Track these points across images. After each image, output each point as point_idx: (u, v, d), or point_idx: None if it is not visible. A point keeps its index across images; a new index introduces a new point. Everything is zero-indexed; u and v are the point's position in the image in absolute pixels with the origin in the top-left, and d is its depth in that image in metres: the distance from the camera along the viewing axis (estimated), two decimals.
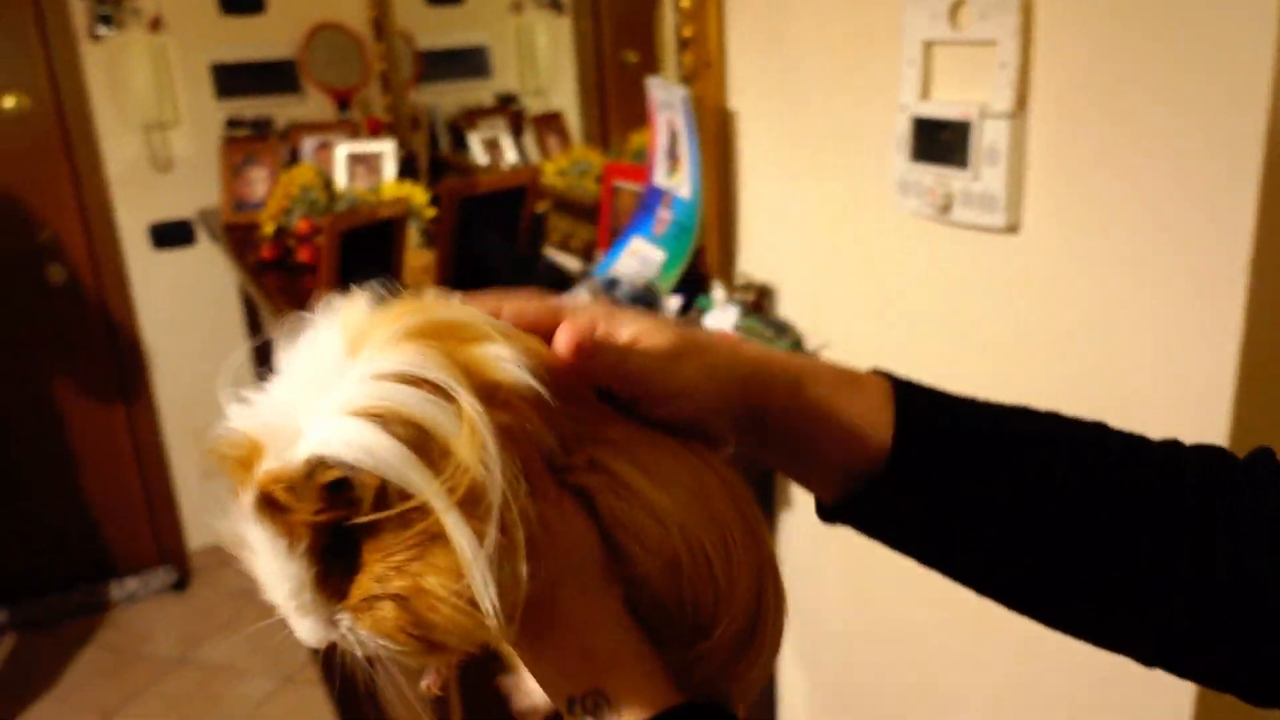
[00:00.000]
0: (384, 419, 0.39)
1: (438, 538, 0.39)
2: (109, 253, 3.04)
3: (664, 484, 0.45)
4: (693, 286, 1.59)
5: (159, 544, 3.25)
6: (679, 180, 1.61)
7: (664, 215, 1.65)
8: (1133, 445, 0.52)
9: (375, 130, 2.94)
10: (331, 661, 0.42)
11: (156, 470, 3.21)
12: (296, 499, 0.40)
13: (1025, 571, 0.51)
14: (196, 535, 3.30)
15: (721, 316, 1.51)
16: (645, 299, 1.58)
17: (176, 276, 3.13)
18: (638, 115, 2.15)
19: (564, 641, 0.43)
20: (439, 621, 0.40)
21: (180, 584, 3.26)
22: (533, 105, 2.79)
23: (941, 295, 1.17)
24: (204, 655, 2.93)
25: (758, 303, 1.52)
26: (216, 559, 3.34)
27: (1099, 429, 0.53)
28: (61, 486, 3.10)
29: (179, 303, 3.15)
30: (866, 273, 1.30)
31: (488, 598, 0.39)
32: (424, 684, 0.49)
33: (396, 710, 0.69)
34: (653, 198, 1.69)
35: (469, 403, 0.39)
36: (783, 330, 1.47)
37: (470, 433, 0.39)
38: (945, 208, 1.09)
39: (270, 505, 0.40)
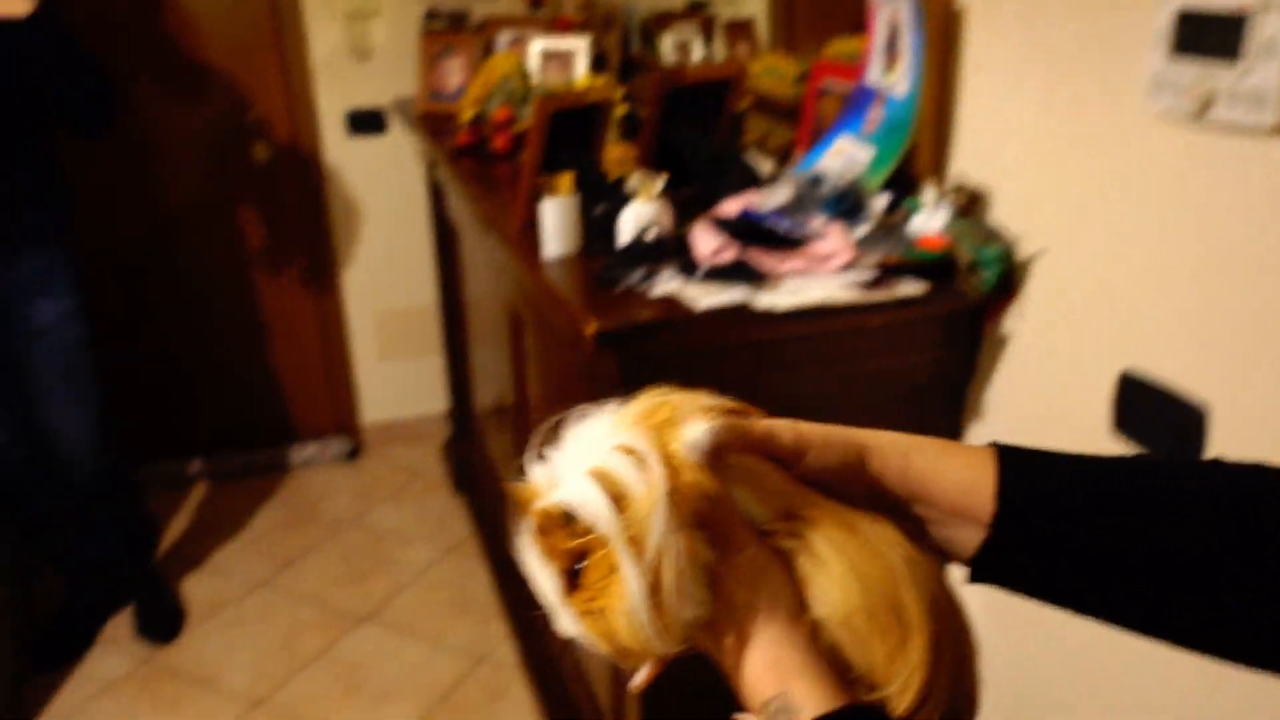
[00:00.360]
0: (601, 477, 0.54)
1: (610, 568, 0.54)
2: (308, 136, 3.19)
3: (845, 557, 0.56)
4: (901, 187, 1.58)
5: (336, 415, 3.47)
6: (895, 78, 1.59)
7: (875, 114, 1.64)
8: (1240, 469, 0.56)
9: (565, 29, 2.97)
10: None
11: (338, 346, 3.40)
12: (549, 528, 0.55)
13: (1158, 604, 0.55)
14: (369, 411, 3.50)
15: (930, 218, 1.50)
16: (849, 196, 1.58)
17: (367, 163, 3.28)
18: (827, 24, 2.12)
19: (758, 654, 0.55)
20: (620, 634, 0.54)
21: (353, 454, 3.47)
22: (724, 12, 2.78)
23: (1187, 205, 1.14)
24: (374, 520, 3.13)
25: (969, 206, 1.51)
26: (386, 435, 3.54)
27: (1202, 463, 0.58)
28: (254, 354, 3.33)
29: (368, 188, 3.29)
30: (1098, 179, 1.27)
31: (644, 604, 0.53)
32: (632, 683, 0.62)
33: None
34: (864, 96, 1.68)
35: (656, 470, 0.54)
36: (993, 236, 1.45)
37: (648, 493, 0.53)
38: (1204, 108, 1.06)
39: (537, 531, 0.56)
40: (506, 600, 2.62)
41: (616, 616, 0.54)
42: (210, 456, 3.34)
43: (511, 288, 2.06)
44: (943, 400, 1.48)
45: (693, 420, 0.57)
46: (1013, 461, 0.57)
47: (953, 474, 0.58)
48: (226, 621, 2.65)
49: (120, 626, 2.62)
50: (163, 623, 2.60)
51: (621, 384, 1.31)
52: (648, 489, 0.54)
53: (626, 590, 0.53)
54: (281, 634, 2.60)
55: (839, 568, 0.56)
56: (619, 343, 1.25)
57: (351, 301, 3.38)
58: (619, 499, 0.54)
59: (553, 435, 0.58)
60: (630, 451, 0.55)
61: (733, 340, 1.31)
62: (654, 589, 0.53)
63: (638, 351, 1.28)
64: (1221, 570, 0.53)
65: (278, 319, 3.32)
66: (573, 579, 0.56)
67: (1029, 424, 1.40)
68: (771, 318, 1.29)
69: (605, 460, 0.55)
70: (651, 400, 0.60)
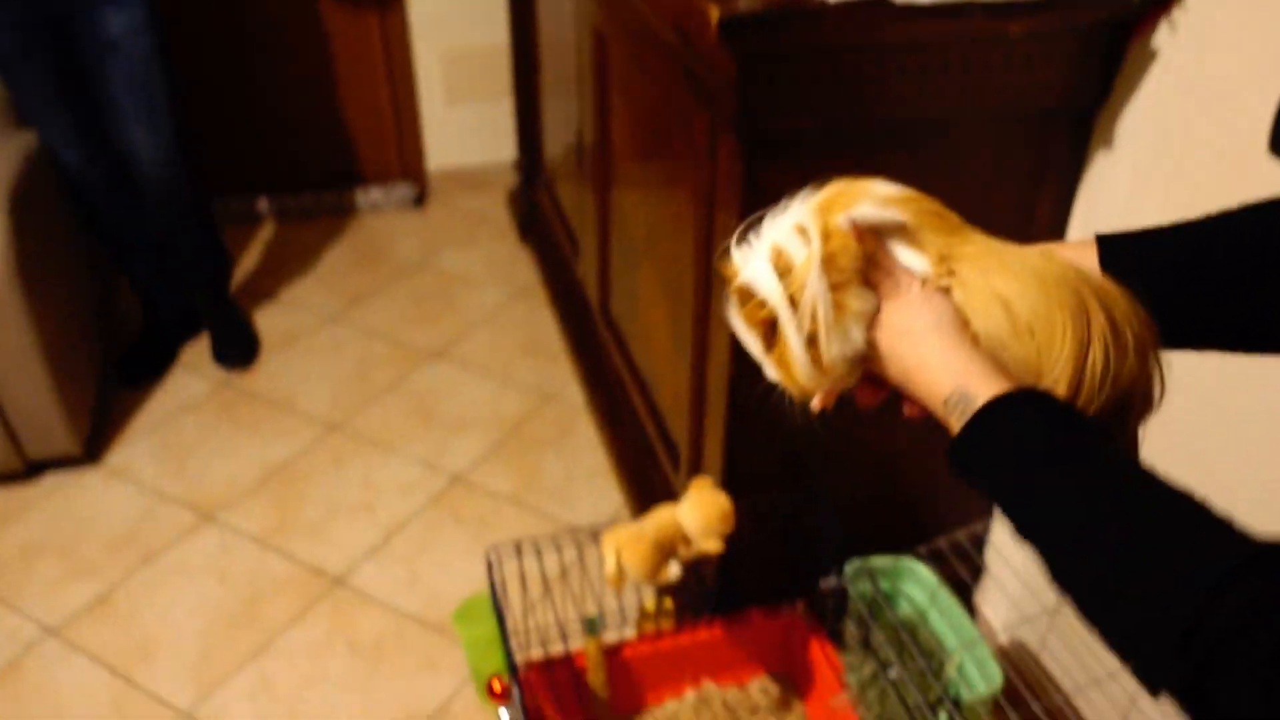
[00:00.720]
0: (775, 255, 0.68)
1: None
2: None
3: (991, 280, 0.67)
4: None
5: (402, 159, 3.40)
6: None
7: None
8: None
9: None
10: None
11: (405, 89, 3.30)
12: (745, 300, 0.69)
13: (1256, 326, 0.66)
14: (435, 156, 3.43)
15: None
16: None
17: None
18: None
19: (930, 363, 0.65)
20: (795, 375, 0.69)
21: (419, 200, 3.43)
22: None
23: None
24: (442, 263, 3.13)
25: None
26: (452, 182, 3.49)
27: None
28: (320, 94, 3.23)
29: None
30: None
31: (802, 353, 0.68)
32: (813, 405, 0.74)
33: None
34: None
35: (814, 242, 0.66)
36: None
37: (805, 260, 0.66)
38: None
39: (739, 304, 0.70)
40: (573, 344, 2.63)
41: (789, 363, 0.69)
42: (278, 195, 3.32)
43: (594, 3, 1.93)
44: (1071, 127, 1.38)
45: (859, 201, 0.68)
46: (1111, 244, 0.70)
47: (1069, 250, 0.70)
48: (300, 352, 2.71)
49: (200, 353, 2.68)
50: (240, 349, 2.65)
51: (734, 94, 1.23)
52: (805, 257, 0.66)
53: (789, 341, 0.68)
54: (354, 365, 2.66)
55: (986, 290, 0.66)
56: (740, 34, 1.15)
57: (419, 41, 3.24)
58: (785, 270, 0.67)
59: (754, 225, 0.71)
60: (800, 229, 0.67)
61: (863, 40, 1.21)
62: (811, 338, 0.67)
63: (757, 48, 1.18)
64: None
65: (345, 60, 3.20)
66: (769, 337, 0.70)
67: (1163, 158, 1.31)
68: (908, 16, 1.18)
69: (781, 239, 0.68)
70: (836, 186, 0.70)
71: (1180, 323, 0.67)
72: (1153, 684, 0.51)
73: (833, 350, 0.67)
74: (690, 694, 1.67)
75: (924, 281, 0.68)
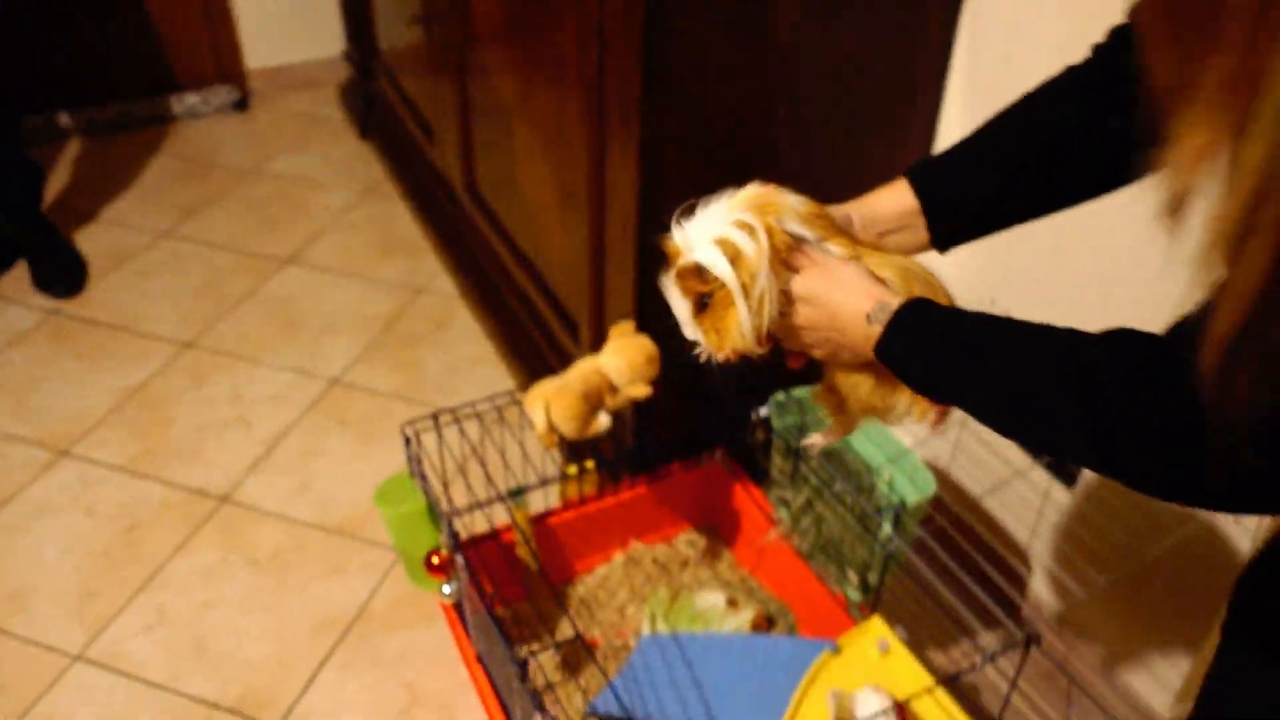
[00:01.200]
0: (722, 244, 0.86)
1: (729, 304, 0.87)
2: None
3: (889, 256, 0.92)
4: None
5: (217, 60, 3.12)
6: None
7: None
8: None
9: None
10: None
11: None
12: (686, 276, 0.88)
13: (1043, 194, 0.89)
14: (255, 55, 3.17)
15: None
16: None
17: None
18: None
19: (856, 292, 0.85)
20: (734, 342, 0.89)
21: (241, 104, 3.17)
22: None
23: None
24: (277, 168, 2.91)
25: None
26: (276, 82, 3.23)
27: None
28: None
29: None
30: None
31: (750, 327, 0.87)
32: (721, 356, 0.93)
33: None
34: None
35: (761, 240, 0.85)
36: None
37: (756, 254, 0.85)
38: None
39: (680, 277, 0.89)
40: (436, 235, 2.51)
41: (733, 333, 0.88)
42: (80, 108, 2.99)
43: None
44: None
45: (779, 208, 0.89)
46: (918, 175, 0.92)
47: (889, 204, 0.93)
48: (134, 272, 2.47)
49: (18, 282, 2.41)
50: (65, 274, 2.40)
51: None
52: (756, 251, 0.85)
53: (740, 317, 0.87)
54: (200, 279, 2.45)
55: (882, 263, 0.90)
56: None
57: None
58: (735, 257, 0.86)
59: (687, 211, 0.88)
60: (744, 226, 0.86)
61: None
62: (757, 313, 0.87)
63: None
64: (1071, 140, 0.84)
65: None
66: (700, 307, 0.90)
67: None
68: None
69: (726, 231, 0.86)
70: (756, 189, 0.90)
71: (986, 214, 0.91)
72: (1070, 458, 0.70)
73: (766, 321, 0.87)
74: (619, 556, 1.65)
75: (838, 259, 0.90)
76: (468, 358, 2.21)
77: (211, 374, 2.16)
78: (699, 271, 0.86)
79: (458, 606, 1.45)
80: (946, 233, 0.93)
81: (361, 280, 2.45)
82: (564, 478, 1.57)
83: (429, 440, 1.66)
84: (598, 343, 1.42)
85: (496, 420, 1.44)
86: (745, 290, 0.85)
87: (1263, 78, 0.45)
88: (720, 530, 1.70)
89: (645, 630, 1.51)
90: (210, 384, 2.14)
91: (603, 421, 1.35)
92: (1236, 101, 0.47)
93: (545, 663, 1.47)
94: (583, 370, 1.34)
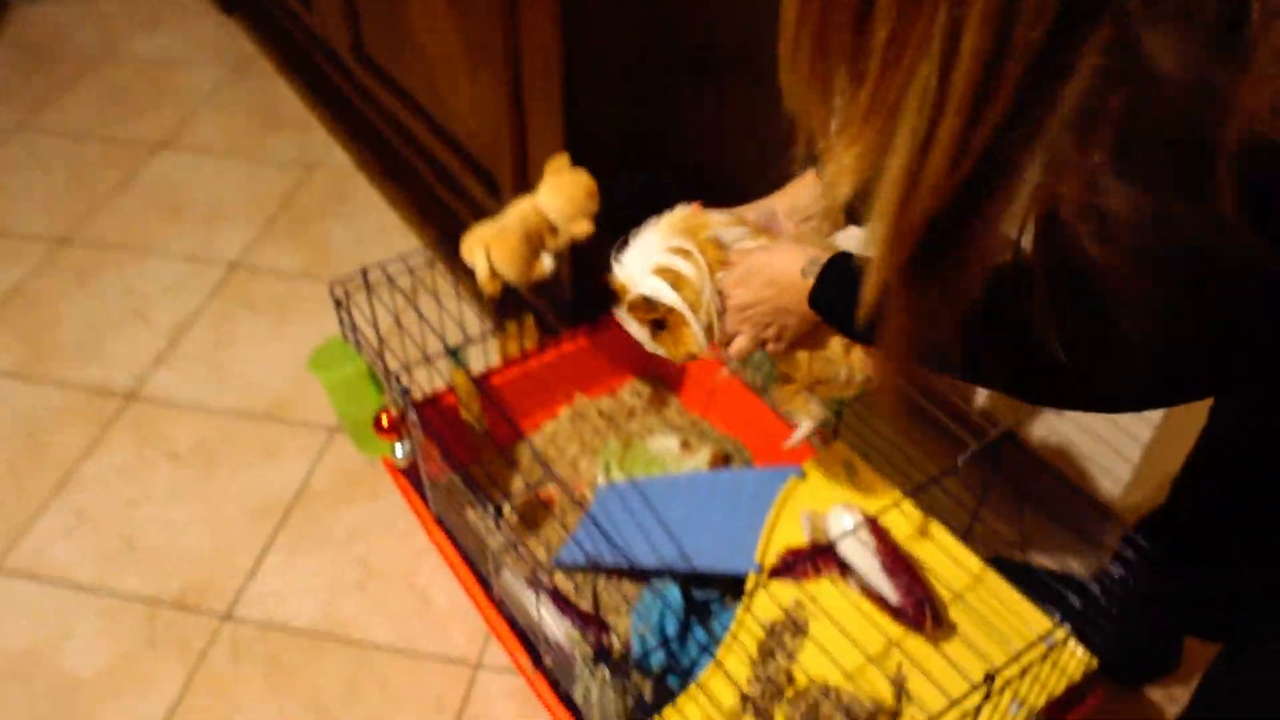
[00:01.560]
0: (663, 272, 1.00)
1: (681, 323, 1.03)
2: None
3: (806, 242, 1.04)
4: None
5: None
6: None
7: None
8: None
9: None
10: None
11: None
12: (638, 307, 1.03)
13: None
14: None
15: None
16: None
17: None
18: None
19: (790, 256, 0.96)
20: (690, 351, 1.05)
21: None
22: None
23: None
24: (135, 50, 2.67)
25: None
26: None
27: None
28: None
29: None
30: None
31: (704, 338, 1.03)
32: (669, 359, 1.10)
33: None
34: None
35: (698, 260, 1.00)
36: None
37: (697, 275, 1.00)
38: None
39: (631, 309, 1.04)
40: (323, 106, 2.35)
41: (690, 344, 1.03)
42: None
43: None
44: None
45: (707, 224, 1.02)
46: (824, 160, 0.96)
47: (807, 191, 1.06)
48: None
49: None
50: None
51: None
52: (695, 272, 0.98)
53: (693, 332, 1.01)
54: (65, 173, 2.25)
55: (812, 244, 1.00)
56: None
57: None
58: (677, 282, 0.98)
59: (622, 246, 1.03)
60: (680, 251, 0.98)
61: None
62: (708, 326, 1.01)
63: None
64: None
65: None
66: (655, 329, 1.04)
67: None
68: None
69: (664, 260, 0.99)
70: (681, 211, 1.03)
71: None
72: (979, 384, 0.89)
73: (717, 325, 1.01)
74: (564, 411, 1.61)
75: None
76: (374, 228, 2.10)
77: (96, 270, 2.00)
78: (647, 302, 1.00)
79: (409, 470, 1.39)
80: (853, 210, 1.05)
81: (247, 160, 2.29)
82: (503, 332, 1.51)
83: (358, 302, 1.57)
84: (520, 191, 1.35)
85: (428, 272, 1.36)
86: (693, 308, 0.99)
87: (900, 105, 0.54)
88: (664, 378, 1.67)
89: (601, 481, 1.49)
90: (96, 280, 1.98)
91: (546, 264, 1.29)
92: (881, 125, 0.56)
93: (505, 520, 1.44)
94: (521, 210, 1.27)
